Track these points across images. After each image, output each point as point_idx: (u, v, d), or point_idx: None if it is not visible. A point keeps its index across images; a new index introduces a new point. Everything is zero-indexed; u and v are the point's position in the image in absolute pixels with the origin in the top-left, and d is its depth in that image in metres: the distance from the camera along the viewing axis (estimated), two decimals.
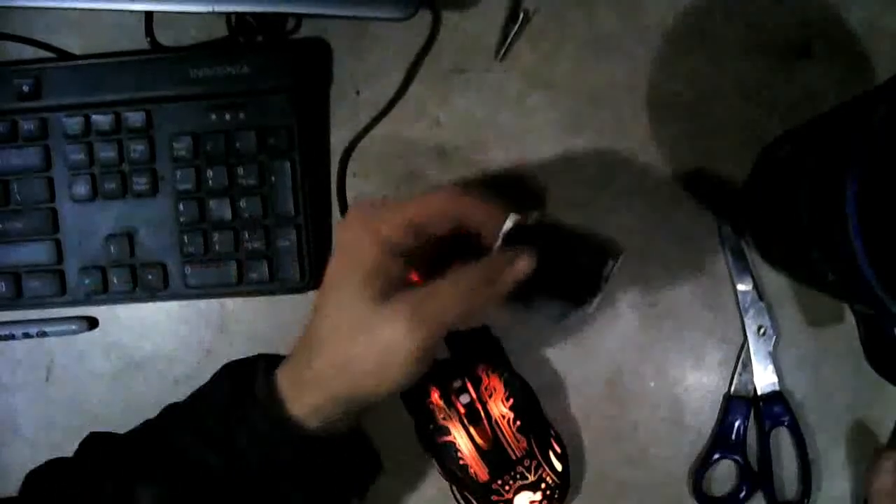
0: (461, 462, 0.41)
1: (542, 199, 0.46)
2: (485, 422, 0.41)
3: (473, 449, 0.41)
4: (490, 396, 0.41)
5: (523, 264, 0.33)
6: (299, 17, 0.46)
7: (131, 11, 0.44)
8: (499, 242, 0.34)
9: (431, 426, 0.42)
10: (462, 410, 0.41)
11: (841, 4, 0.44)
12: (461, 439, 0.41)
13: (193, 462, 0.33)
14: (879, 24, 0.44)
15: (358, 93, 0.46)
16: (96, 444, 0.36)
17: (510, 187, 0.46)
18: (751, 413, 0.45)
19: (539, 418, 0.43)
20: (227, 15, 0.45)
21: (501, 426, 0.41)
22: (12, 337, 0.47)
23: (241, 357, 0.38)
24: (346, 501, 0.38)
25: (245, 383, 0.34)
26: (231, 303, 0.47)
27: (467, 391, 0.42)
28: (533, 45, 0.46)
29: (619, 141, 0.45)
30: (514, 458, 0.41)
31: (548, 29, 0.46)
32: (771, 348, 0.44)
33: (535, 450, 0.42)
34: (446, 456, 0.41)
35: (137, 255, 0.45)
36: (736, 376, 0.45)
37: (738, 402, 0.45)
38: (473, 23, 0.46)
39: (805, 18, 0.45)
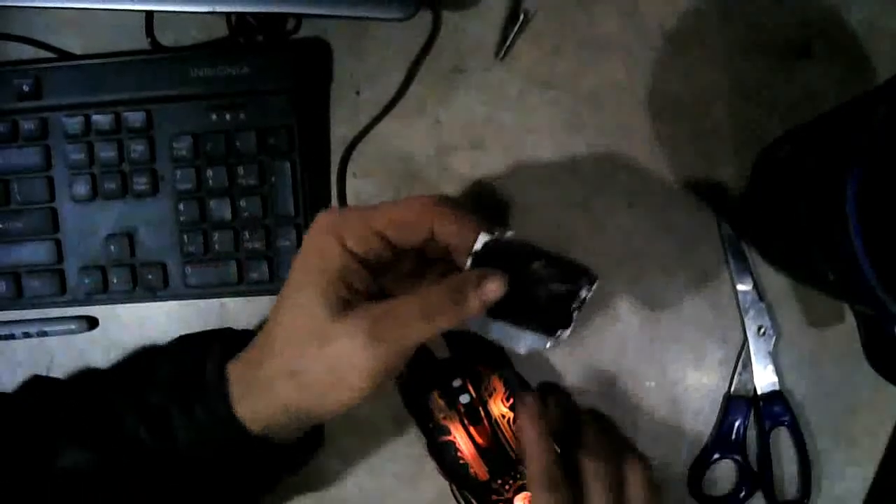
0: (461, 461, 0.41)
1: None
2: (485, 421, 0.41)
3: (473, 448, 0.41)
4: (490, 396, 0.41)
5: (493, 287, 0.31)
6: (299, 18, 0.46)
7: (131, 11, 0.44)
8: (469, 262, 0.32)
9: (431, 425, 0.42)
10: (462, 410, 0.41)
11: (841, 4, 0.44)
12: (461, 438, 0.41)
13: (126, 433, 0.32)
14: (879, 24, 0.44)
15: (358, 93, 0.46)
16: (37, 388, 0.35)
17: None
18: (751, 413, 0.45)
19: None
20: (227, 15, 0.45)
21: (501, 426, 0.41)
22: (12, 336, 0.47)
23: (203, 330, 0.37)
24: (278, 480, 0.37)
25: (196, 367, 0.34)
26: (231, 302, 0.47)
27: (467, 391, 0.42)
28: (533, 45, 0.46)
29: (619, 141, 0.45)
30: (513, 457, 0.41)
31: (548, 29, 0.46)
32: (771, 348, 0.44)
33: None
34: (446, 455, 0.41)
35: (137, 254, 0.45)
36: (736, 376, 0.45)
37: (738, 401, 0.45)
38: (473, 23, 0.46)
39: (805, 18, 0.45)
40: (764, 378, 0.44)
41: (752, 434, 0.45)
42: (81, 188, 0.45)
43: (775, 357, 0.44)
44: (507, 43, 0.45)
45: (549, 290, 0.33)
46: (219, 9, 0.41)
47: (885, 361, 0.42)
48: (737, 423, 0.44)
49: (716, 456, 0.45)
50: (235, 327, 0.47)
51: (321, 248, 0.32)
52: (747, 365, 0.45)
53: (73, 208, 0.45)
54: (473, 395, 0.41)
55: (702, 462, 0.45)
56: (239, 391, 0.32)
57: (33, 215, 0.45)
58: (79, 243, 0.45)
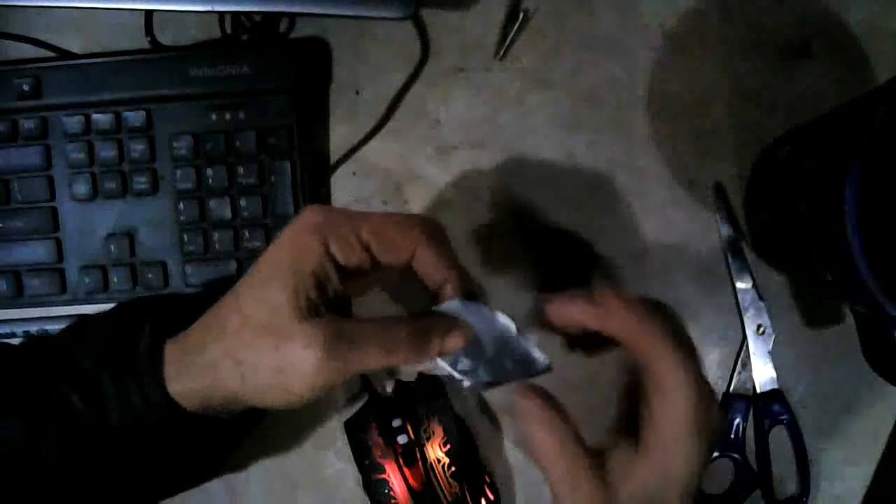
0: (392, 501, 0.41)
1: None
2: (420, 464, 0.41)
3: (406, 490, 0.41)
4: (428, 439, 0.42)
5: (455, 341, 0.32)
6: (293, 18, 0.46)
7: (131, 10, 0.44)
8: (439, 308, 0.33)
9: (368, 461, 0.42)
10: (399, 450, 0.41)
11: (841, 4, 0.44)
12: (395, 478, 0.41)
13: (59, 401, 0.32)
14: (879, 24, 0.44)
15: (358, 93, 0.46)
16: None
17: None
18: (750, 411, 0.45)
19: (474, 466, 0.43)
20: (220, 16, 0.45)
21: (436, 470, 0.41)
22: (13, 335, 0.47)
23: (139, 298, 0.37)
24: (220, 455, 0.38)
25: (130, 338, 0.33)
26: None
27: (406, 431, 0.42)
28: (533, 45, 0.46)
29: (619, 141, 0.45)
30: (445, 502, 0.41)
31: (547, 29, 0.46)
32: (770, 347, 0.44)
33: (467, 496, 0.42)
34: (379, 493, 0.41)
35: (138, 253, 0.45)
36: (735, 375, 0.45)
37: (738, 400, 0.45)
38: (473, 22, 0.46)
39: (804, 18, 0.45)
40: (763, 377, 0.44)
41: (750, 433, 0.45)
42: (81, 187, 0.45)
43: (774, 356, 0.44)
44: (507, 42, 0.45)
45: (511, 354, 0.34)
46: (218, 8, 0.41)
47: (885, 361, 0.42)
48: (736, 422, 0.45)
49: (714, 454, 0.45)
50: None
51: (302, 247, 0.31)
52: (746, 364, 0.45)
53: (73, 208, 0.45)
54: (412, 436, 0.42)
55: None
56: (175, 372, 0.32)
57: (33, 215, 0.45)
58: (79, 242, 0.45)
